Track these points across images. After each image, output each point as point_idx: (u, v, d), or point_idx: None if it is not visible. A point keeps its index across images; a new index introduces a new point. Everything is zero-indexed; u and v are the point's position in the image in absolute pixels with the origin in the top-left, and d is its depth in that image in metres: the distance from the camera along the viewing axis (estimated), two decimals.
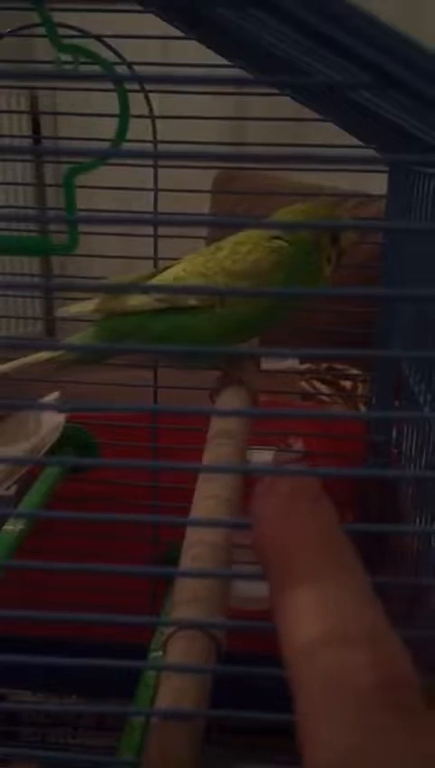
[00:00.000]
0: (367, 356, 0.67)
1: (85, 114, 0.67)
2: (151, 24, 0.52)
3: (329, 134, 0.58)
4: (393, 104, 0.26)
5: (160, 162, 0.57)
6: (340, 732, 0.13)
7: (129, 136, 0.43)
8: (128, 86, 0.39)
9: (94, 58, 0.36)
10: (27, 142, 1.17)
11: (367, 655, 0.14)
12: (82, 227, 0.42)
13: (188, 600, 0.30)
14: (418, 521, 0.45)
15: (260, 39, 0.29)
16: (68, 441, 0.61)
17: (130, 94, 0.39)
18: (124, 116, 0.36)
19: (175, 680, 0.27)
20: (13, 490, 0.57)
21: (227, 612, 0.30)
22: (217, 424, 0.42)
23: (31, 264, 1.38)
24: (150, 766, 0.24)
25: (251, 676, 0.25)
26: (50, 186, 1.25)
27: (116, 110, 0.40)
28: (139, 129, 0.61)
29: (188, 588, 0.31)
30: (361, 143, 0.56)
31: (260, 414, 0.54)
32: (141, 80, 0.47)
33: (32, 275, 1.21)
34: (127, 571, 0.25)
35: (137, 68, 0.55)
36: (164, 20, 0.50)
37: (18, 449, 0.58)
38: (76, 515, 0.27)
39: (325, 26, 0.18)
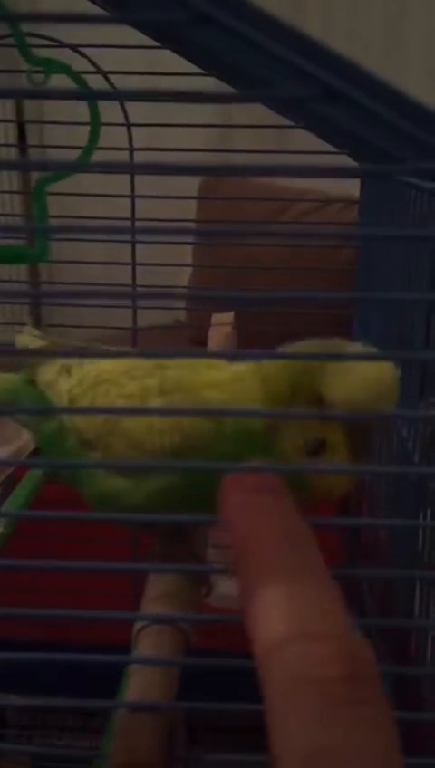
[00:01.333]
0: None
1: (67, 123, 0.68)
2: (131, 32, 0.53)
3: (312, 138, 0.58)
4: (349, 116, 0.27)
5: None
6: (306, 727, 0.14)
7: (110, 142, 0.43)
8: None
9: (66, 70, 0.37)
10: (14, 149, 1.18)
11: (333, 648, 0.15)
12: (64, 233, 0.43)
13: (157, 596, 0.31)
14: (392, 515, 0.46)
15: (221, 53, 0.30)
16: None
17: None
18: (94, 126, 0.37)
19: (143, 673, 0.28)
20: None
21: (197, 608, 0.31)
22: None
23: (19, 270, 1.39)
24: (117, 756, 0.25)
25: (237, 671, 0.26)
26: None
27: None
28: (120, 135, 0.62)
29: (159, 584, 0.32)
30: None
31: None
32: (120, 95, 0.47)
33: (19, 282, 1.22)
34: (100, 567, 0.26)
35: (116, 76, 0.55)
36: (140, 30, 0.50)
37: (2, 452, 0.58)
38: (55, 515, 0.27)
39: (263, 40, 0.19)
